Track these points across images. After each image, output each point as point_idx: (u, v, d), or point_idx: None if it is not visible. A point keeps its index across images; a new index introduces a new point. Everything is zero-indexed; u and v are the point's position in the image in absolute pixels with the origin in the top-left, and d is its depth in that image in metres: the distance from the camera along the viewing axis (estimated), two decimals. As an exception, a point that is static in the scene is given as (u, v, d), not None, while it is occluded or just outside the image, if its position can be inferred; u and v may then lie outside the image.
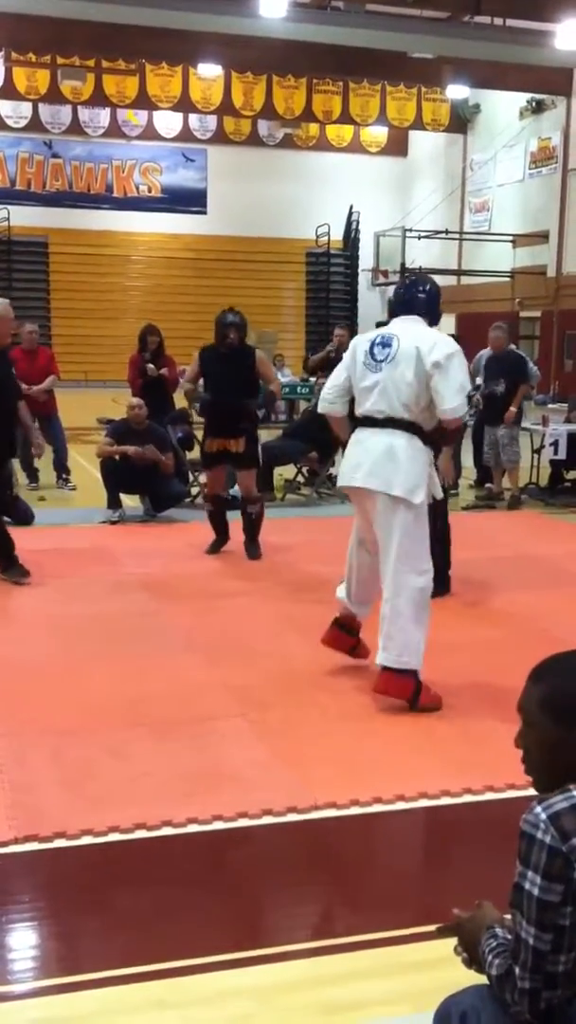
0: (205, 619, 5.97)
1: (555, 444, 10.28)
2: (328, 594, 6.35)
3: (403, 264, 21.47)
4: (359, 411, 4.64)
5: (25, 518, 8.61)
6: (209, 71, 20.25)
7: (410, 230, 21.41)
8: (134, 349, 10.22)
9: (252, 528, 7.57)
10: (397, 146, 25.56)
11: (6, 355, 7.04)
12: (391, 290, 22.73)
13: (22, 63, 20.23)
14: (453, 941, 1.91)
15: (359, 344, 4.70)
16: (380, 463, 4.48)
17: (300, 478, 10.49)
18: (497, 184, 22.43)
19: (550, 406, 14.40)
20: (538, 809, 1.67)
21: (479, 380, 10.75)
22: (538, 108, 20.83)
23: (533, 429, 10.82)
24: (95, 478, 9.41)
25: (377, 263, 24.36)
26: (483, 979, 1.80)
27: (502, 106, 21.84)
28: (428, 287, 4.82)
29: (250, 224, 24.51)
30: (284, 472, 10.29)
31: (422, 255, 21.83)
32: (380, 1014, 2.54)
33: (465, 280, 22.49)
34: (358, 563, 4.88)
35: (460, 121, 23.09)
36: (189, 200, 25.07)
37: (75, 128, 23.05)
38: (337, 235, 24.66)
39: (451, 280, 22.84)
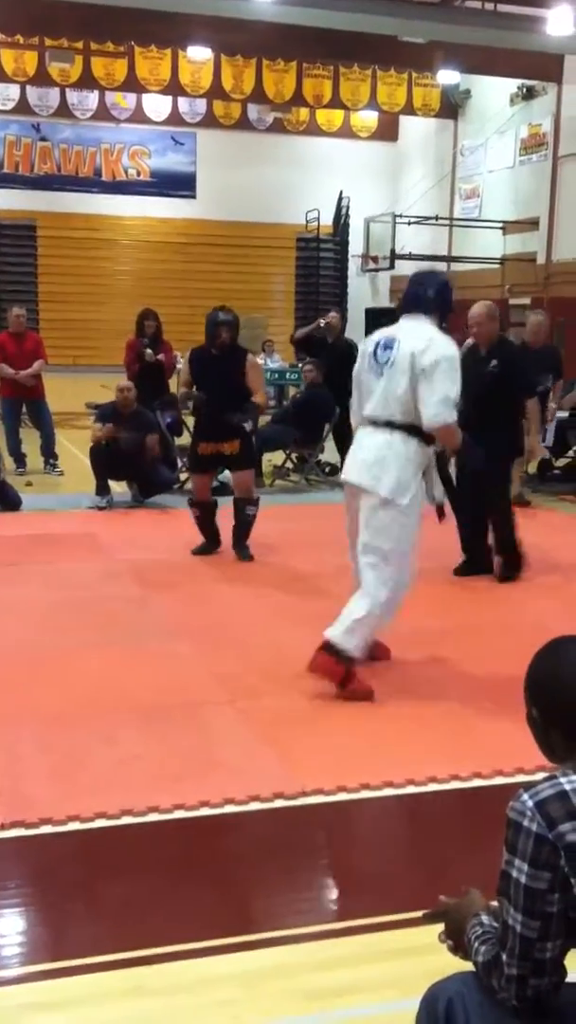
0: (193, 606, 5.96)
1: (543, 432, 10.27)
2: (319, 580, 6.37)
3: (393, 250, 21.42)
4: (363, 412, 4.65)
5: (12, 503, 8.58)
6: (199, 54, 20.11)
7: (400, 216, 21.33)
8: (131, 333, 10.21)
9: (245, 529, 7.21)
10: (388, 131, 25.45)
11: None
12: (381, 275, 22.71)
13: (9, 45, 20.05)
14: (439, 927, 1.91)
15: (366, 346, 4.70)
16: (372, 461, 4.51)
17: (289, 464, 10.47)
18: (487, 170, 22.37)
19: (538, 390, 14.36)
20: (525, 796, 1.67)
21: None
22: (529, 94, 20.75)
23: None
24: (83, 463, 9.38)
25: (367, 249, 24.27)
26: (470, 966, 1.80)
27: (493, 92, 21.75)
28: (436, 284, 4.73)
29: (239, 208, 24.40)
30: (273, 458, 10.28)
31: (412, 241, 21.78)
32: (366, 1000, 2.54)
33: (455, 266, 22.43)
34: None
35: (451, 107, 22.99)
36: (178, 184, 24.92)
37: (63, 111, 22.88)
38: (327, 220, 24.57)
39: (441, 266, 22.78)
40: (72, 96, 22.86)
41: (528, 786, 1.69)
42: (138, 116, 23.60)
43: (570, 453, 10.80)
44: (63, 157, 24.63)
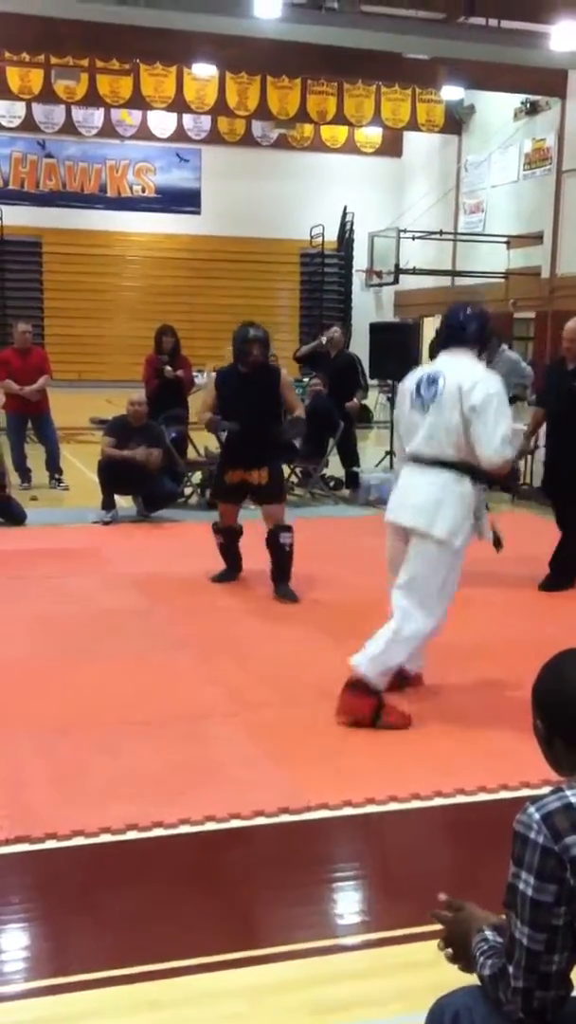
0: (198, 618, 5.96)
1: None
2: (322, 592, 6.37)
3: (397, 265, 21.45)
4: (408, 450, 4.52)
5: (17, 518, 8.59)
6: (203, 71, 20.22)
7: (404, 231, 21.37)
8: (147, 349, 10.28)
9: (284, 563, 6.48)
10: (391, 147, 25.55)
11: None
12: (385, 290, 22.65)
13: (15, 63, 20.18)
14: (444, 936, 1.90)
15: (406, 384, 4.58)
16: (426, 503, 4.38)
17: (294, 478, 10.48)
18: (491, 185, 22.43)
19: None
20: (531, 809, 1.67)
21: None
22: (532, 109, 20.83)
23: (524, 430, 10.78)
24: (88, 478, 9.39)
25: (371, 264, 24.31)
26: (475, 979, 1.79)
27: (496, 107, 21.84)
28: (476, 318, 4.60)
29: (244, 224, 24.50)
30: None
31: (416, 256, 21.82)
32: (372, 1015, 2.53)
33: (459, 281, 22.48)
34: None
35: (454, 122, 23.08)
36: (183, 200, 25.03)
37: (69, 128, 23.01)
38: (331, 235, 24.65)
39: (445, 281, 22.83)
40: (77, 113, 23.00)
41: (534, 799, 1.69)
42: (143, 133, 23.72)
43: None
44: (68, 174, 24.77)
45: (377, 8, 16.34)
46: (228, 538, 6.82)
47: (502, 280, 20.92)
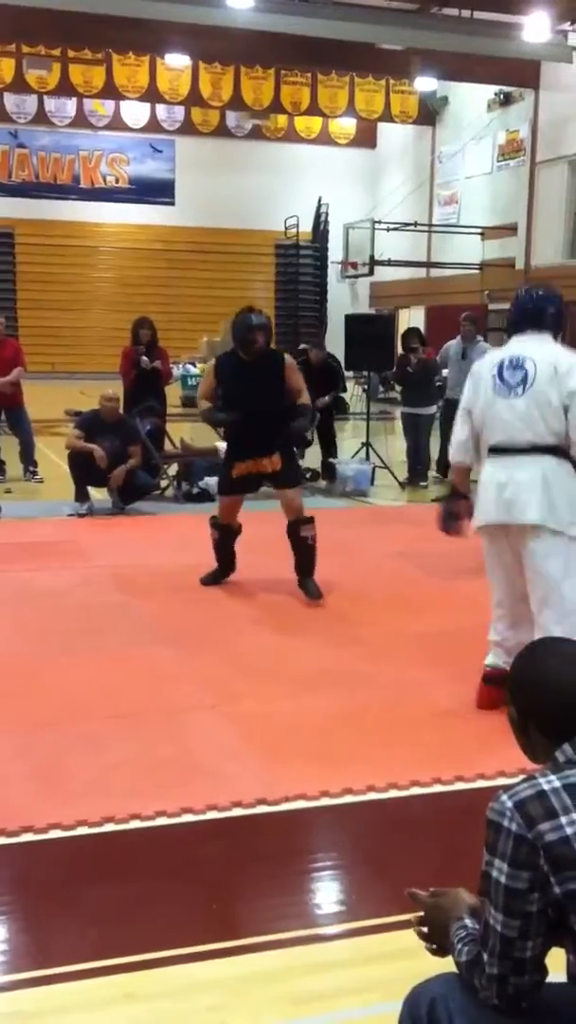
0: (175, 611, 5.96)
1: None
2: (296, 589, 6.37)
3: (372, 256, 21.48)
4: (492, 441, 4.20)
5: (-8, 511, 8.56)
6: (176, 61, 20.15)
7: (379, 222, 21.41)
8: (122, 341, 10.26)
9: (308, 558, 6.16)
10: (366, 138, 25.56)
11: None
12: (361, 282, 22.72)
13: (-13, 52, 20.02)
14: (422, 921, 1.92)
15: (482, 371, 4.26)
16: (535, 493, 4.04)
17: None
18: (465, 176, 22.49)
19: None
20: (504, 797, 1.68)
21: (445, 372, 10.79)
22: (506, 100, 20.90)
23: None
24: (62, 470, 9.35)
25: (346, 255, 24.34)
26: (452, 966, 1.81)
27: (470, 98, 21.89)
28: (557, 301, 4.31)
29: (219, 215, 24.44)
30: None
31: (391, 247, 21.85)
32: (351, 1004, 2.54)
33: (434, 272, 22.53)
34: (501, 617, 4.38)
35: (429, 113, 23.11)
36: (157, 191, 24.95)
37: (41, 118, 22.88)
38: (306, 227, 24.67)
39: (420, 272, 22.88)
40: (50, 103, 22.85)
41: (507, 788, 1.71)
42: (116, 123, 23.61)
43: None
44: (41, 164, 24.61)
45: (351, -2, 16.31)
46: (225, 535, 6.49)
47: (477, 272, 20.99)
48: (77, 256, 24.38)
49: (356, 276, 24.16)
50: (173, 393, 14.38)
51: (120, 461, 8.65)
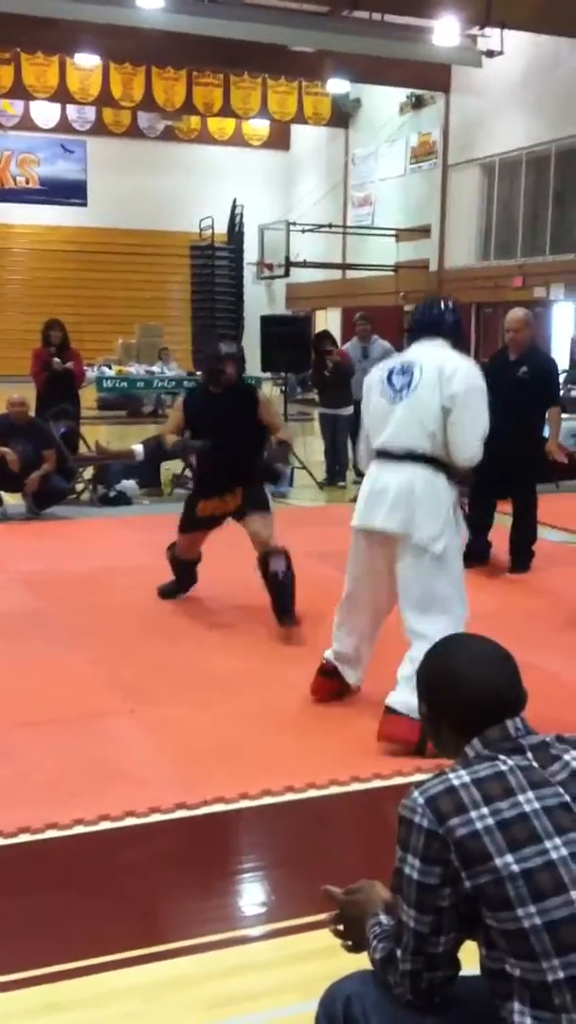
0: (91, 616, 5.88)
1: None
2: (219, 587, 6.35)
3: (287, 257, 21.53)
4: (374, 444, 4.18)
5: None
6: (86, 61, 19.97)
7: (294, 224, 21.48)
8: (35, 343, 10.12)
9: (283, 596, 5.54)
10: (279, 139, 25.63)
11: None
12: (277, 283, 22.72)
13: None
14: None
15: (374, 377, 4.26)
16: (399, 502, 4.02)
17: (188, 472, 10.42)
18: (379, 179, 22.67)
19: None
20: (415, 793, 1.69)
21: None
22: (418, 103, 21.12)
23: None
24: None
25: (262, 256, 24.39)
26: (370, 965, 1.81)
27: (383, 101, 22.08)
28: (452, 307, 4.35)
29: (132, 217, 24.28)
30: (172, 467, 10.22)
31: (307, 249, 21.94)
32: (268, 1005, 2.54)
33: (350, 274, 22.69)
34: (343, 621, 4.39)
35: (341, 115, 23.26)
36: (69, 192, 24.69)
37: (-51, 117, 22.47)
38: (221, 228, 24.60)
39: (336, 274, 23.00)
40: (-43, 102, 22.45)
41: (418, 784, 1.71)
42: (26, 123, 23.30)
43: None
44: (-50, 164, 24.19)
45: (262, 0, 16.35)
46: (183, 564, 6.10)
47: (392, 273, 21.18)
48: (-13, 258, 24.00)
49: (272, 278, 24.22)
50: (88, 395, 14.24)
51: (34, 465, 8.51)
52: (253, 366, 13.05)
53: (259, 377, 13.75)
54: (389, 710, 4.01)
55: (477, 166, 19.41)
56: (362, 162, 23.21)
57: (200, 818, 3.51)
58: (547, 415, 7.16)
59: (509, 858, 1.61)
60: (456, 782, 1.67)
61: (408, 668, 3.97)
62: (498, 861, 1.61)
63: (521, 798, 1.65)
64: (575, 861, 1.62)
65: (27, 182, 24.48)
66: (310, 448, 11.72)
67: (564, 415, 8.03)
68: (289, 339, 11.55)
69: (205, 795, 3.61)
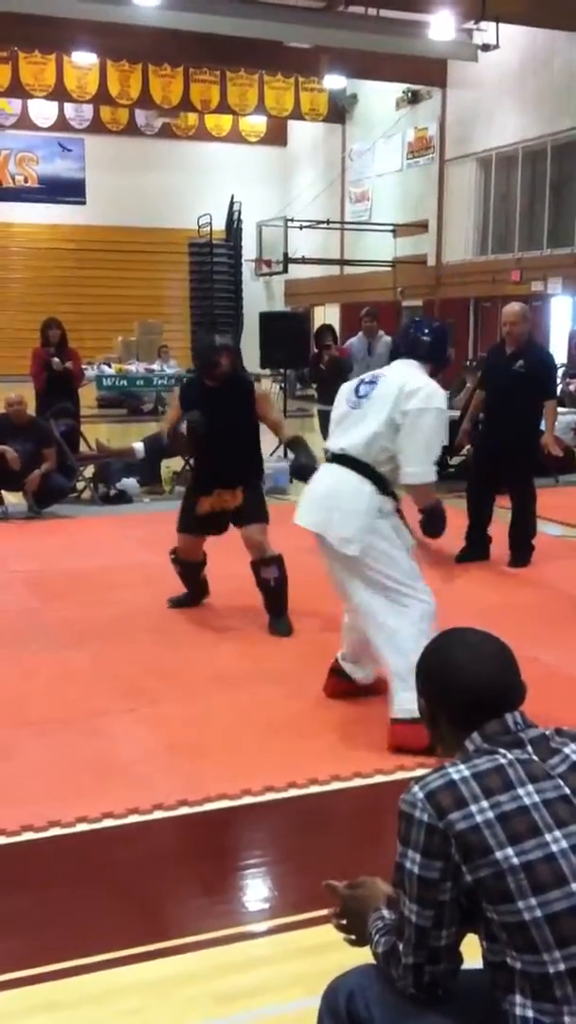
0: (92, 615, 5.89)
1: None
2: (219, 583, 6.35)
3: (285, 254, 21.53)
4: (325, 445, 4.28)
5: None
6: (83, 59, 19.95)
7: (292, 220, 21.46)
8: (33, 343, 10.11)
9: (276, 601, 5.60)
10: (277, 136, 25.60)
11: None
12: (275, 280, 22.76)
13: None
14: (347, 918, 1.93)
15: (348, 386, 4.30)
16: (322, 503, 4.07)
17: (188, 469, 10.42)
18: (376, 174, 22.65)
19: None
20: (415, 788, 1.70)
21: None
22: (414, 99, 21.09)
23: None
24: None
25: (260, 253, 24.37)
26: (372, 959, 1.82)
27: (379, 96, 22.05)
28: (434, 329, 4.31)
29: (131, 214, 24.27)
30: (172, 464, 10.23)
31: (305, 245, 21.93)
32: (272, 1000, 2.55)
33: (348, 270, 22.69)
34: (344, 621, 4.44)
35: (338, 111, 23.24)
36: (67, 190, 24.68)
37: (-54, 116, 22.45)
38: (219, 225, 24.60)
39: (334, 270, 23.00)
40: (-45, 102, 22.44)
41: (418, 779, 1.72)
42: (24, 122, 23.28)
43: (463, 452, 10.98)
44: (-53, 163, 24.18)
45: (257, -4, 16.31)
46: (189, 569, 5.97)
47: (389, 269, 21.16)
48: (-14, 257, 24.00)
49: (270, 274, 24.20)
50: (87, 394, 14.24)
51: (34, 464, 8.52)
52: (252, 362, 13.09)
53: (258, 373, 13.74)
54: (394, 720, 4.00)
55: (474, 160, 19.39)
56: (359, 157, 23.19)
57: (202, 815, 3.53)
58: (543, 408, 7.18)
59: (509, 851, 1.61)
60: (456, 776, 1.68)
61: (385, 670, 4.10)
62: (498, 854, 1.61)
63: (521, 791, 1.66)
64: (575, 853, 1.63)
65: (26, 181, 24.47)
66: (310, 445, 11.71)
67: (561, 409, 8.05)
68: (288, 335, 11.56)
69: (207, 792, 3.62)
